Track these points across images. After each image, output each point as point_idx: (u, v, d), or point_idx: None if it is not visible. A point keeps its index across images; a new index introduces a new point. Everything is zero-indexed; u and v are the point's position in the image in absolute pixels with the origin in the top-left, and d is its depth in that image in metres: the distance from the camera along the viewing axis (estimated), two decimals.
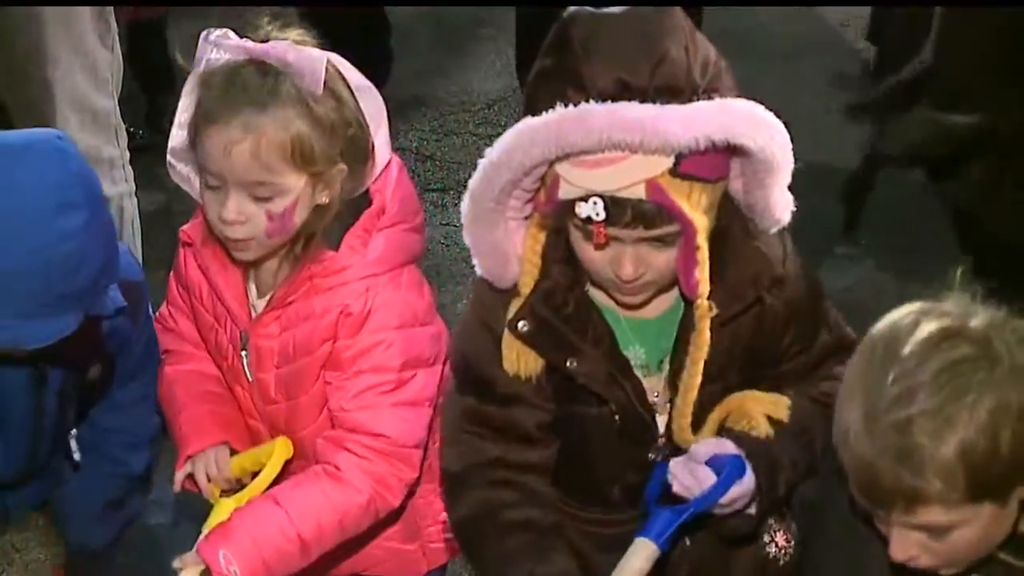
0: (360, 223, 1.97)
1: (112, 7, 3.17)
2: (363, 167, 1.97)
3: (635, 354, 1.83)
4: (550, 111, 1.63)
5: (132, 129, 3.62)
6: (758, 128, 1.67)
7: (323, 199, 1.94)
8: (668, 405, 1.84)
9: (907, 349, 1.51)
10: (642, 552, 1.76)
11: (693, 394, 1.78)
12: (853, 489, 1.59)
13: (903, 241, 3.83)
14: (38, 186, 1.82)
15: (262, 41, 1.90)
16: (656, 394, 1.84)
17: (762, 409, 1.83)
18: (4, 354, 1.95)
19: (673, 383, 1.82)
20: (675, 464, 1.79)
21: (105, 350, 2.14)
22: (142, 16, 4.09)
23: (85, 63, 3.07)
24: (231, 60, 1.91)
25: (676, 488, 1.76)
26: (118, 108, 3.21)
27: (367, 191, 2.00)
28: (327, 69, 1.88)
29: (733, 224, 1.78)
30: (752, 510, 1.78)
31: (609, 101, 1.61)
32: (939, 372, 1.49)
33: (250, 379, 2.08)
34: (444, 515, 2.00)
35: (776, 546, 1.97)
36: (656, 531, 1.77)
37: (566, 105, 1.62)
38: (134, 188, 3.28)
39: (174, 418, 2.15)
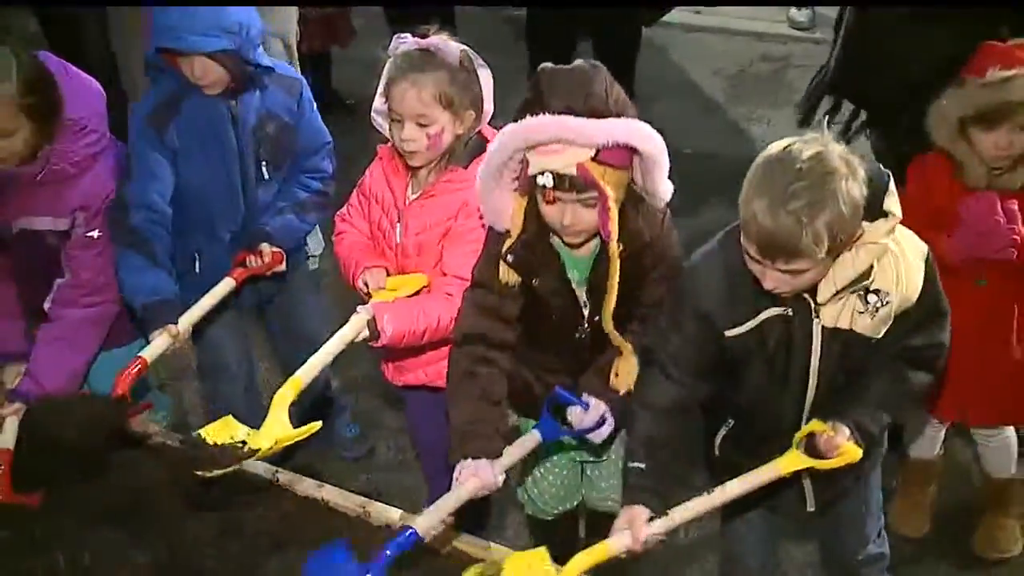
0: (480, 158, 2.41)
1: (296, 44, 4.07)
2: (481, 114, 2.56)
3: (573, 275, 2.36)
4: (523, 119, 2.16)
5: None
6: (645, 137, 2.16)
7: (460, 131, 2.53)
8: (587, 305, 2.37)
9: (797, 165, 1.96)
10: (531, 438, 2.37)
11: (613, 294, 2.26)
12: (755, 251, 2.03)
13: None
14: None
15: (426, 37, 2.53)
16: (583, 299, 2.37)
17: (628, 378, 2.35)
18: (209, 92, 2.67)
19: (591, 292, 2.34)
20: (571, 411, 2.37)
21: (274, 114, 2.81)
22: (314, 49, 5.01)
23: None
24: (408, 48, 2.52)
25: (571, 420, 2.36)
26: None
27: (485, 139, 2.51)
28: (461, 53, 2.51)
29: (629, 203, 2.25)
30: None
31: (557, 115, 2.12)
32: (816, 180, 1.95)
33: (399, 241, 2.63)
34: None
35: None
36: (543, 432, 2.37)
37: (533, 116, 2.14)
38: None
39: (353, 259, 2.69)
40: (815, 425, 2.22)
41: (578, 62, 2.21)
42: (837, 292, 2.11)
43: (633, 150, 2.17)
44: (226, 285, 2.81)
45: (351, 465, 3.59)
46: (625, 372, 2.35)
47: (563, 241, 2.31)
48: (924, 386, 2.31)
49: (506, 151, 2.21)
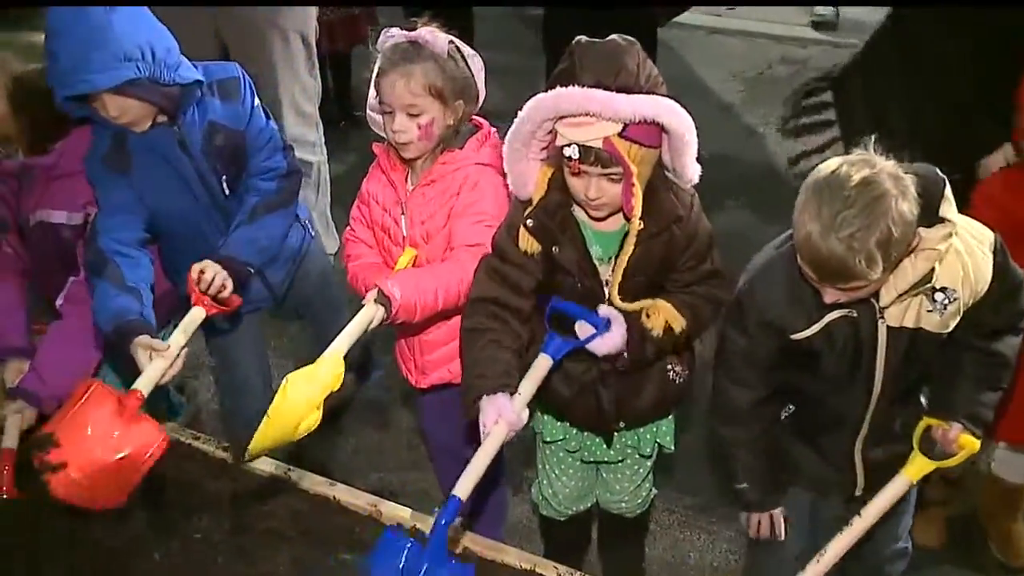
0: (474, 137, 2.56)
1: (315, 53, 4.12)
2: (473, 102, 2.57)
3: (595, 251, 2.35)
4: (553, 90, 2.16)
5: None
6: (674, 114, 2.16)
7: (450, 120, 2.53)
8: (608, 283, 2.34)
9: (846, 192, 1.96)
10: (543, 364, 2.34)
11: (621, 270, 2.29)
12: (809, 272, 2.05)
13: (764, 199, 4.29)
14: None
15: (415, 30, 2.52)
16: (606, 276, 2.35)
17: (664, 315, 2.35)
18: (139, 129, 2.54)
19: (616, 271, 2.31)
20: (578, 324, 2.34)
21: (218, 124, 2.67)
22: (335, 50, 5.03)
23: (299, 85, 4.07)
24: (397, 40, 2.52)
25: (578, 332, 2.34)
26: (317, 111, 4.19)
27: (478, 127, 2.59)
28: (450, 44, 2.52)
29: (659, 181, 2.27)
30: (624, 357, 2.36)
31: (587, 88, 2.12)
32: (865, 205, 1.95)
33: (405, 234, 2.63)
34: None
35: (675, 372, 2.52)
36: (551, 351, 2.34)
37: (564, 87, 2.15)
38: (327, 158, 4.29)
39: (362, 279, 2.65)
40: (930, 420, 2.26)
41: (612, 37, 2.20)
42: (899, 295, 2.13)
43: (662, 129, 2.17)
44: (197, 314, 2.56)
45: (362, 463, 3.59)
46: (657, 318, 2.35)
47: (587, 213, 2.31)
48: (1015, 349, 2.30)
49: (534, 120, 2.21)
